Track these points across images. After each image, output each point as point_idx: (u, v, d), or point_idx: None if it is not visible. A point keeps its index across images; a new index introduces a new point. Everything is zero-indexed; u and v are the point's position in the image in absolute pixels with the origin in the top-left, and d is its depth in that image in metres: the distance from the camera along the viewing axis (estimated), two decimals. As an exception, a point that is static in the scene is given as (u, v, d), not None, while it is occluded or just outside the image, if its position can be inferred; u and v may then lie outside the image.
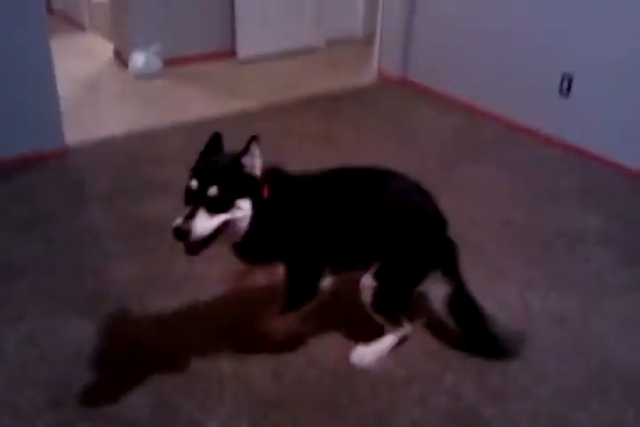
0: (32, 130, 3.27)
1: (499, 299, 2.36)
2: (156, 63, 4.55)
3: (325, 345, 2.14)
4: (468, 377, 2.03)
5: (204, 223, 1.75)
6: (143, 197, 3.01)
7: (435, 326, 2.23)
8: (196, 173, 1.80)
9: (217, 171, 1.80)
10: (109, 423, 1.83)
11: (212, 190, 1.76)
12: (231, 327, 2.22)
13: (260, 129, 3.80)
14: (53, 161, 3.31)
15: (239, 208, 1.80)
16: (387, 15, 4.53)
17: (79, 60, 4.89)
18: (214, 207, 1.76)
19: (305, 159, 3.43)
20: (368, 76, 4.73)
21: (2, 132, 3.19)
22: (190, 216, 1.73)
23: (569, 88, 3.57)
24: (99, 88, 4.42)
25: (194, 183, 1.77)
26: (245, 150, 1.82)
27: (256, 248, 1.96)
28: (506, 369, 2.06)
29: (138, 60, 4.49)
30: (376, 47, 4.77)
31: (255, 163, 1.83)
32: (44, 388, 1.95)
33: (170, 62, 4.66)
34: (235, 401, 1.92)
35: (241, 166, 1.82)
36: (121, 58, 4.82)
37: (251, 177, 1.83)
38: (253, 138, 1.81)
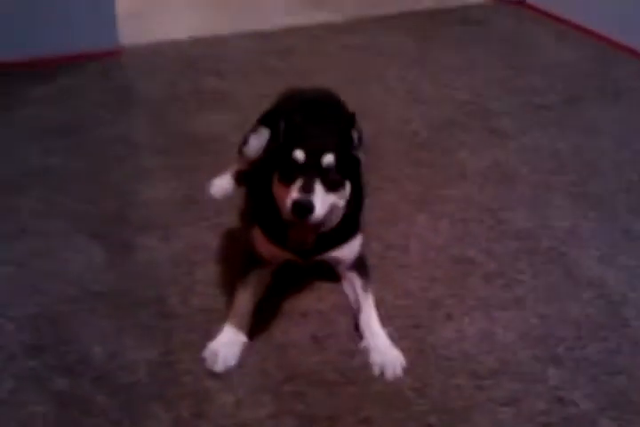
0: (85, 28, 2.85)
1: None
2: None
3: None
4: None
5: (324, 201, 1.38)
6: (194, 110, 2.54)
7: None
8: (298, 141, 1.43)
9: (329, 138, 1.47)
10: (95, 384, 1.41)
11: (328, 159, 1.41)
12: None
13: (344, 45, 3.30)
14: (103, 62, 2.87)
15: (345, 190, 1.46)
16: None
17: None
18: (330, 181, 1.41)
19: (389, 82, 2.84)
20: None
21: (54, 29, 2.79)
22: (308, 189, 1.36)
23: None
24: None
25: (299, 154, 1.41)
26: (353, 122, 1.51)
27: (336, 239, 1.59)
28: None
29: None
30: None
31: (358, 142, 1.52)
32: (25, 326, 1.55)
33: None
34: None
35: (351, 140, 1.50)
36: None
37: (356, 157, 1.53)
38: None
